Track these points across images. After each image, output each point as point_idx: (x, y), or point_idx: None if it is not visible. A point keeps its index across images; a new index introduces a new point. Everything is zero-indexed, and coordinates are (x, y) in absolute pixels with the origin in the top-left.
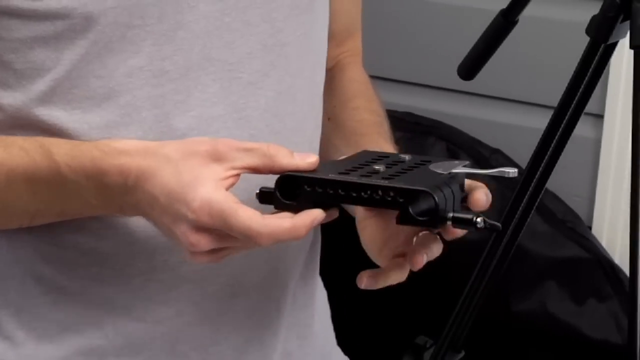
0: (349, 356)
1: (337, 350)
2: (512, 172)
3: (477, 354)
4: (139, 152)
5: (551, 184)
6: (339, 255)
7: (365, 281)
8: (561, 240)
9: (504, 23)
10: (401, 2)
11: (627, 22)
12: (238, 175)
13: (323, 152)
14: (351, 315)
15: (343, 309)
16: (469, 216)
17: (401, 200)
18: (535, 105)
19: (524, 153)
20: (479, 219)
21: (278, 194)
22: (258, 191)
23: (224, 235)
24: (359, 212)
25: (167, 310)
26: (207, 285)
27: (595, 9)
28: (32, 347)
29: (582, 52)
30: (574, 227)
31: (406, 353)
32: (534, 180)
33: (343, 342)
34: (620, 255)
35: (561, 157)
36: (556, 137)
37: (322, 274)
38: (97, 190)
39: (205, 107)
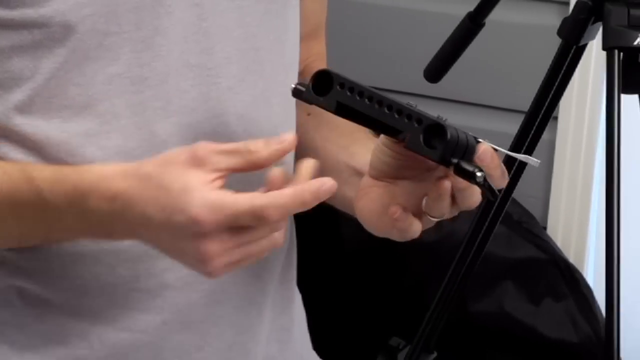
0: (323, 359)
1: (313, 354)
2: (534, 161)
3: (436, 354)
4: (117, 175)
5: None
6: (310, 258)
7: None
8: (517, 241)
9: (471, 26)
10: (366, 7)
11: (597, 24)
12: (223, 176)
13: (304, 150)
14: (324, 318)
15: (316, 311)
16: (470, 167)
17: (416, 125)
18: (501, 109)
19: None
20: (479, 173)
21: (311, 86)
22: (293, 86)
23: (234, 232)
24: (364, 181)
25: (152, 318)
26: (191, 292)
27: (559, 13)
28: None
29: (547, 56)
30: (530, 228)
31: (380, 354)
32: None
33: (317, 345)
34: (575, 254)
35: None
36: (528, 140)
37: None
38: (80, 216)
39: (184, 114)
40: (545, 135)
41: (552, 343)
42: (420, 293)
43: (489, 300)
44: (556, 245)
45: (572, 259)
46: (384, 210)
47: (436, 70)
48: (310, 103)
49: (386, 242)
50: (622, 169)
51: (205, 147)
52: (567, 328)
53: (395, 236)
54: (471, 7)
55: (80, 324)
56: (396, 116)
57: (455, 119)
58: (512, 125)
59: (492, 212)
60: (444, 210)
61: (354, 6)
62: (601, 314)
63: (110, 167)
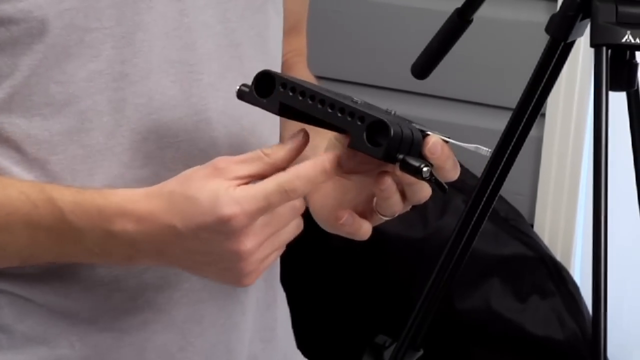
0: (308, 358)
1: (298, 353)
2: (486, 150)
3: (423, 352)
4: (142, 198)
5: None
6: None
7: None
8: (504, 238)
9: (459, 22)
10: (353, 3)
11: (585, 21)
12: (246, 183)
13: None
14: (309, 315)
15: (301, 309)
16: (416, 163)
17: (359, 123)
18: (489, 106)
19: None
20: (425, 169)
21: (253, 88)
22: (238, 87)
23: (264, 222)
24: None
25: (133, 318)
26: (172, 291)
27: (548, 9)
28: None
29: (535, 52)
30: (517, 225)
31: (366, 352)
32: (493, 180)
33: (302, 343)
34: (562, 252)
35: None
36: (515, 137)
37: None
38: (101, 239)
39: (166, 110)
40: (532, 132)
41: (539, 340)
42: (406, 290)
43: (476, 297)
44: (543, 243)
45: (559, 256)
46: (336, 206)
47: (423, 66)
48: (254, 104)
49: (373, 239)
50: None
51: (224, 159)
52: (553, 325)
53: (346, 236)
54: (459, 3)
55: (61, 324)
56: (339, 115)
57: (443, 116)
58: (500, 122)
59: (479, 209)
60: (394, 208)
61: (340, 1)
62: (588, 311)
63: (135, 190)
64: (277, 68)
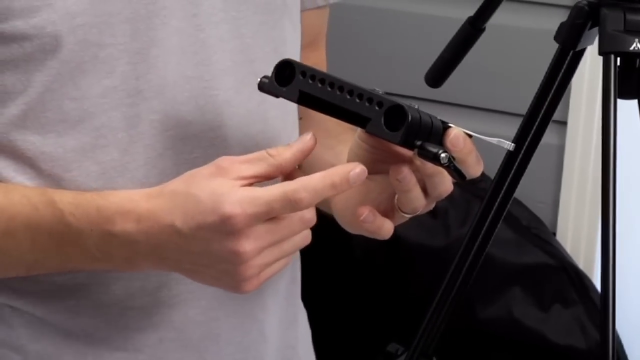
0: None
1: None
2: (508, 144)
3: None
4: (142, 198)
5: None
6: (317, 264)
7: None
8: (526, 246)
9: (472, 31)
10: (368, 11)
11: (595, 29)
12: (250, 184)
13: None
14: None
15: (314, 317)
16: (434, 149)
17: (377, 108)
18: (503, 113)
19: (491, 161)
20: (443, 154)
21: (274, 77)
22: (259, 79)
23: (267, 228)
24: None
25: (148, 337)
26: (187, 309)
27: (561, 17)
28: None
29: (549, 60)
30: (539, 234)
31: None
32: (504, 187)
33: (315, 350)
34: (584, 261)
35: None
36: (526, 144)
37: None
38: (101, 240)
39: (181, 127)
40: (554, 141)
41: (561, 349)
42: (426, 299)
43: (497, 306)
44: (565, 251)
45: (581, 264)
46: (358, 207)
47: (437, 75)
48: (274, 94)
49: (395, 247)
50: (625, 175)
51: (228, 159)
52: (576, 334)
53: (368, 235)
54: (473, 10)
55: (75, 344)
56: (357, 101)
57: (456, 123)
58: (512, 129)
59: (491, 216)
60: (415, 203)
61: (355, 10)
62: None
63: (135, 190)
64: None
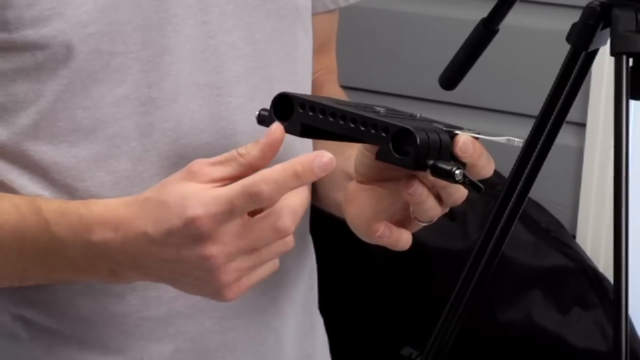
0: None
1: None
2: (518, 141)
3: None
4: (120, 206)
5: (534, 193)
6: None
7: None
8: (545, 249)
9: (485, 32)
10: (381, 13)
11: (608, 30)
12: (220, 186)
13: None
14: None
15: (330, 321)
16: (447, 167)
17: (384, 135)
18: (517, 114)
19: (506, 163)
20: (457, 171)
21: (272, 113)
22: (257, 112)
23: (235, 231)
24: (351, 186)
25: (163, 347)
26: (203, 318)
27: (573, 17)
28: None
29: (561, 61)
30: (558, 236)
31: None
32: (517, 190)
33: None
34: (604, 263)
35: (544, 167)
36: (538, 146)
37: None
38: (83, 250)
39: (194, 134)
40: (573, 143)
41: (581, 352)
42: (445, 303)
43: (517, 309)
44: (585, 254)
45: (601, 267)
46: (372, 216)
47: (451, 78)
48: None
49: (413, 250)
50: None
51: (198, 162)
52: (596, 337)
53: (386, 246)
54: (486, 11)
55: (90, 356)
56: (362, 129)
57: (470, 125)
58: (525, 130)
59: (504, 219)
60: (430, 213)
61: (368, 12)
62: (631, 323)
63: (115, 199)
64: (306, 89)
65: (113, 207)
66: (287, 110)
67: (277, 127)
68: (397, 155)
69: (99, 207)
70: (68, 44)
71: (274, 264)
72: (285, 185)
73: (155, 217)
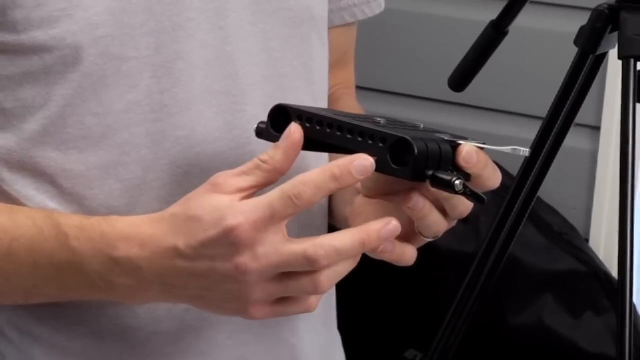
0: None
1: None
2: (523, 150)
3: None
4: (144, 223)
5: (547, 196)
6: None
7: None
8: (558, 252)
9: (494, 34)
10: (391, 14)
11: (615, 33)
12: (248, 195)
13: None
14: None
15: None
16: (447, 177)
17: (381, 145)
18: (526, 115)
19: (514, 164)
20: (457, 182)
21: (269, 124)
22: (256, 125)
23: (273, 250)
24: (357, 200)
25: None
26: (214, 333)
27: (582, 19)
28: None
29: (569, 62)
30: (571, 240)
31: None
32: (524, 191)
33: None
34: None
35: (557, 169)
36: (546, 147)
37: None
38: (103, 267)
39: (208, 143)
40: (587, 146)
41: (592, 357)
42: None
43: (528, 313)
44: (597, 258)
45: (614, 271)
46: None
47: (460, 79)
48: (273, 142)
49: (424, 252)
50: None
51: (222, 174)
52: (607, 342)
53: (389, 261)
54: (496, 12)
55: None
56: (359, 139)
57: (478, 126)
58: (532, 131)
59: (511, 221)
60: (435, 228)
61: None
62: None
63: (139, 216)
64: (323, 100)
65: (137, 224)
66: (284, 122)
67: (295, 127)
68: (394, 166)
69: (122, 223)
70: (77, 45)
71: (307, 305)
72: (323, 187)
73: (186, 231)
